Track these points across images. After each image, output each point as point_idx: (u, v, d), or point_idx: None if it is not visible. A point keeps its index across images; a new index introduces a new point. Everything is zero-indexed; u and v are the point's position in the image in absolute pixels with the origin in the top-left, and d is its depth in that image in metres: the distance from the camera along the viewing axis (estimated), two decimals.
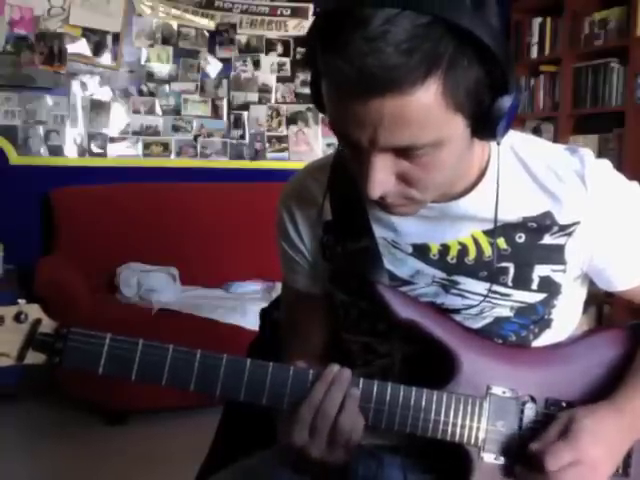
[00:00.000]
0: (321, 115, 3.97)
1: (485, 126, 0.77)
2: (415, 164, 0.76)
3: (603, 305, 3.37)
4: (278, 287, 3.27)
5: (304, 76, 3.95)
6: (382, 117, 0.70)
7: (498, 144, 0.84)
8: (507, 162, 0.90)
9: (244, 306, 2.97)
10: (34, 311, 0.82)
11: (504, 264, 0.90)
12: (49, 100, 3.44)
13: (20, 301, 0.82)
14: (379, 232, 0.93)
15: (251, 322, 2.66)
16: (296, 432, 0.82)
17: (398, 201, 0.81)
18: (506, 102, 0.75)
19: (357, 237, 0.93)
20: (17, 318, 0.81)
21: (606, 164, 0.92)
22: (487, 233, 0.90)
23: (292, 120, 3.95)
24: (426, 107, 0.70)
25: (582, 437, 0.82)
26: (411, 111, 0.70)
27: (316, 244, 0.98)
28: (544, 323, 0.94)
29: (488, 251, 0.90)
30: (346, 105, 0.72)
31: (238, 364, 0.83)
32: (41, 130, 3.45)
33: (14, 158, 3.43)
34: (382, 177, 0.76)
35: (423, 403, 0.85)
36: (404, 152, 0.75)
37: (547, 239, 0.90)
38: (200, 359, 0.83)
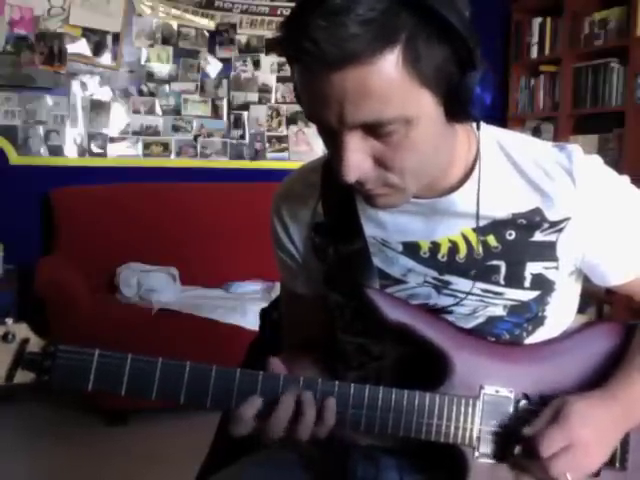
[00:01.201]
0: None
1: (456, 104, 0.77)
2: (387, 144, 0.76)
3: (603, 305, 3.36)
4: (278, 287, 3.24)
5: None
6: (345, 91, 0.71)
7: (478, 128, 0.84)
8: (495, 159, 0.90)
9: (244, 306, 2.97)
10: (22, 330, 0.82)
11: (495, 262, 0.90)
12: (49, 100, 3.44)
13: (7, 320, 0.81)
14: (369, 231, 0.93)
15: (251, 322, 2.66)
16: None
17: (379, 189, 0.81)
18: (474, 79, 0.75)
19: (349, 239, 0.93)
20: (4, 338, 0.80)
21: (595, 159, 0.91)
22: (476, 230, 0.90)
23: (292, 120, 3.95)
24: (387, 78, 0.71)
25: (572, 420, 0.82)
26: (373, 82, 0.71)
27: (309, 246, 0.98)
28: (538, 321, 0.93)
29: (478, 249, 0.90)
30: (312, 85, 0.73)
31: (227, 374, 0.83)
32: (41, 130, 3.45)
33: (14, 158, 3.42)
34: (356, 158, 0.76)
35: (415, 406, 0.85)
36: (374, 130, 0.75)
37: (538, 236, 0.89)
38: (190, 371, 0.82)
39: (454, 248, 0.91)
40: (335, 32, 0.68)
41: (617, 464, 0.90)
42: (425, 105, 0.75)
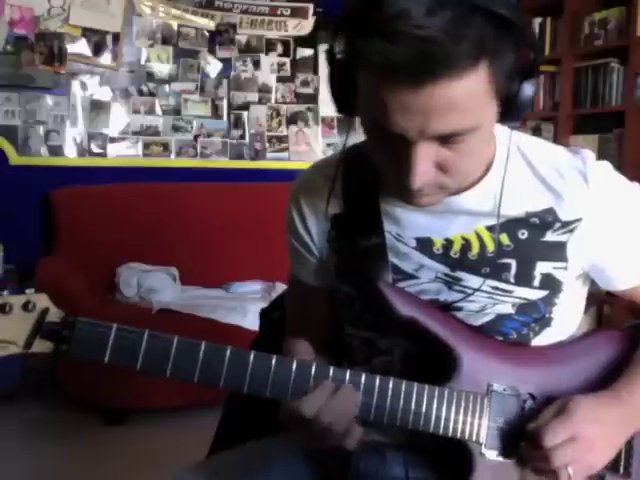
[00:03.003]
0: (321, 115, 3.97)
1: (514, 109, 0.78)
2: (453, 151, 0.78)
3: (603, 305, 3.36)
4: (278, 287, 3.27)
5: (304, 76, 3.95)
6: (434, 103, 0.71)
7: (513, 128, 0.86)
8: (512, 158, 0.91)
9: (244, 306, 2.97)
10: (42, 300, 0.83)
11: (506, 260, 0.91)
12: (49, 100, 3.44)
13: (28, 291, 0.83)
14: (385, 226, 0.95)
15: (251, 322, 2.66)
16: (294, 425, 0.84)
17: (431, 190, 0.82)
18: (533, 85, 0.77)
19: (367, 234, 0.95)
20: (25, 307, 0.82)
21: (607, 165, 0.93)
22: (490, 229, 0.91)
23: (292, 120, 3.95)
24: (474, 92, 0.72)
25: (577, 415, 0.83)
26: (460, 96, 0.71)
27: (323, 237, 0.99)
28: (544, 321, 0.94)
29: (491, 247, 0.91)
30: (397, 94, 0.72)
31: (242, 356, 0.84)
32: (41, 130, 3.45)
33: (14, 158, 3.43)
34: (424, 167, 0.77)
35: (425, 399, 0.86)
36: (446, 139, 0.76)
37: (549, 236, 0.91)
38: (204, 350, 0.83)
39: (467, 245, 0.92)
40: (433, 44, 0.68)
41: (621, 470, 0.90)
42: (492, 112, 0.77)
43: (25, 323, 0.82)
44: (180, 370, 0.83)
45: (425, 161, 0.77)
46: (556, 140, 3.66)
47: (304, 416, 0.81)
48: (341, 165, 0.97)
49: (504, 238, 0.91)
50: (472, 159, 0.81)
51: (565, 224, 0.90)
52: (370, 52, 0.70)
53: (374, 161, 0.86)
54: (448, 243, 0.92)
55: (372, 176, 0.94)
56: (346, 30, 0.74)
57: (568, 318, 0.98)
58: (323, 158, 1.08)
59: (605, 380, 0.91)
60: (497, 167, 0.89)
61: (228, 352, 0.83)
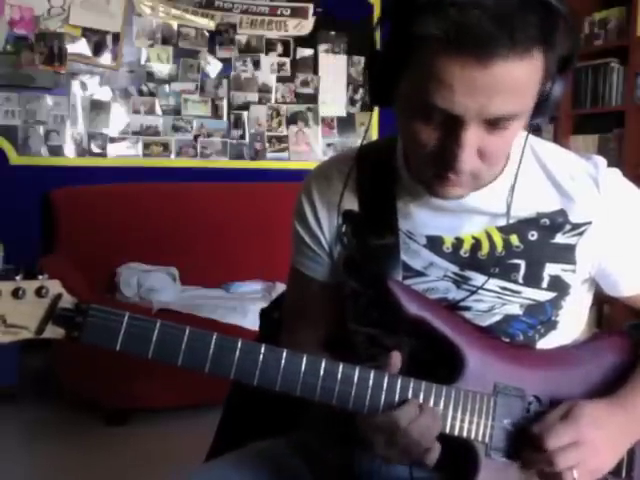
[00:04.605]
0: (321, 115, 3.97)
1: (546, 106, 0.81)
2: (496, 136, 0.78)
3: (603, 305, 3.36)
4: (278, 287, 3.27)
5: (304, 76, 3.95)
6: (498, 83, 0.72)
7: (535, 128, 0.87)
8: (526, 159, 0.91)
9: (244, 306, 2.97)
10: (55, 286, 0.83)
11: (516, 261, 0.92)
12: (49, 100, 3.45)
13: (41, 276, 0.82)
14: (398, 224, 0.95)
15: (251, 322, 2.66)
16: (380, 438, 0.84)
17: (465, 179, 0.82)
18: (566, 79, 0.80)
19: (381, 233, 0.95)
20: (38, 292, 0.81)
21: (618, 171, 0.94)
22: (501, 229, 0.92)
23: (292, 120, 3.95)
24: (531, 76, 0.75)
25: (583, 419, 0.83)
26: (521, 78, 0.73)
27: (334, 231, 0.99)
28: (550, 324, 0.94)
29: (501, 247, 0.92)
30: (465, 71, 0.72)
31: (253, 348, 0.84)
32: (41, 130, 3.45)
33: (14, 158, 3.43)
34: (472, 151, 0.78)
35: (432, 398, 0.85)
36: (495, 123, 0.77)
37: (559, 238, 0.91)
38: (216, 341, 0.83)
39: (477, 245, 0.92)
40: (505, 23, 0.69)
41: (623, 474, 0.90)
42: (533, 101, 0.79)
43: (38, 308, 0.81)
44: (191, 360, 0.82)
45: (473, 145, 0.78)
46: (556, 140, 3.66)
47: (399, 426, 0.81)
48: (355, 163, 0.98)
49: (514, 239, 0.91)
50: (507, 148, 0.83)
51: (575, 226, 0.91)
52: (440, 28, 0.71)
53: (408, 149, 0.87)
54: (458, 242, 0.93)
55: (388, 174, 0.94)
56: (405, 10, 0.74)
57: (573, 322, 0.98)
58: (340, 152, 1.09)
59: (609, 385, 0.91)
60: (511, 167, 0.90)
61: (239, 344, 0.83)
